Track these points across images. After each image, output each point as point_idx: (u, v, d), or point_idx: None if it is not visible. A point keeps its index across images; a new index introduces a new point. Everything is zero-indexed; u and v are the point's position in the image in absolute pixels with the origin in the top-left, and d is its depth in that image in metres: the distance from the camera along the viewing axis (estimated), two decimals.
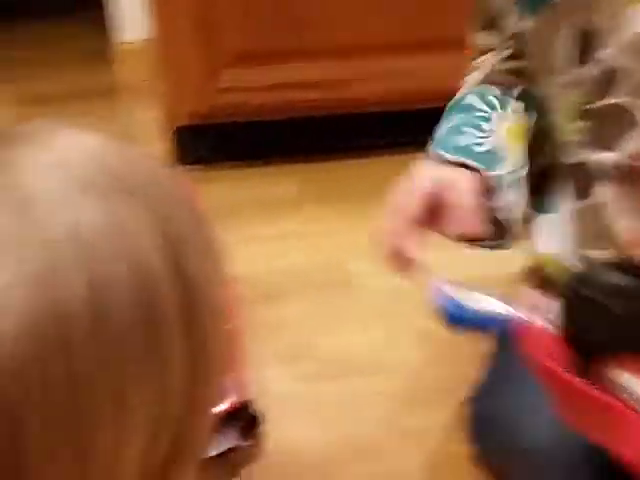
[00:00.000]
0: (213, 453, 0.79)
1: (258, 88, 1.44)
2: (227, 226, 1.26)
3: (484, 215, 0.70)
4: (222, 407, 0.78)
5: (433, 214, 0.69)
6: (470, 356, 0.93)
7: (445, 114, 0.79)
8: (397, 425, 0.86)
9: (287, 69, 1.45)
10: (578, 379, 0.58)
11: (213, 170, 1.51)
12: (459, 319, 0.65)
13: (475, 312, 0.65)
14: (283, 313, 1.06)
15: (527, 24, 0.74)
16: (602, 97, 0.71)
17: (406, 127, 1.51)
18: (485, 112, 0.77)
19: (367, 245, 1.20)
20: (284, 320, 1.04)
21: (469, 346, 0.96)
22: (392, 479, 0.80)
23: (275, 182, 1.47)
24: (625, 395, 0.58)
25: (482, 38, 0.82)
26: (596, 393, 0.58)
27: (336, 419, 0.87)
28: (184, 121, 1.46)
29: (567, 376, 0.58)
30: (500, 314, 0.64)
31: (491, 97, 0.78)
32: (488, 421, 0.76)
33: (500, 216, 0.73)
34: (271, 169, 1.50)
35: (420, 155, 0.74)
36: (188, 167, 1.48)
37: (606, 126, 0.71)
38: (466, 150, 0.73)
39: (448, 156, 0.72)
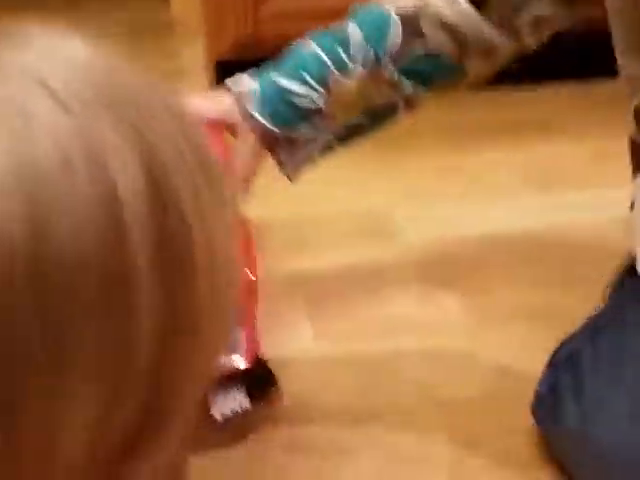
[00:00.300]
0: (218, 417, 0.71)
1: (303, 17, 1.33)
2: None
3: None
4: (228, 366, 0.70)
5: None
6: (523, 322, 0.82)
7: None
8: (431, 393, 0.76)
9: None
10: None
11: None
12: None
13: None
14: (314, 265, 0.96)
15: None
16: None
17: None
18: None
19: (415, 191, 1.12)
20: (314, 272, 0.95)
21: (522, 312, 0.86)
22: (421, 450, 0.71)
23: None
24: None
25: None
26: None
27: (362, 383, 0.78)
28: (226, 54, 1.37)
29: None
30: None
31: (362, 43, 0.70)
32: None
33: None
34: None
35: None
36: None
37: None
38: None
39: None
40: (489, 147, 1.22)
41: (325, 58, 0.71)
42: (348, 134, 0.75)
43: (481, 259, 0.97)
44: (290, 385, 0.77)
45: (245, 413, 0.72)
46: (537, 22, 0.69)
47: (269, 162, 0.75)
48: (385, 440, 0.72)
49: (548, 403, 0.67)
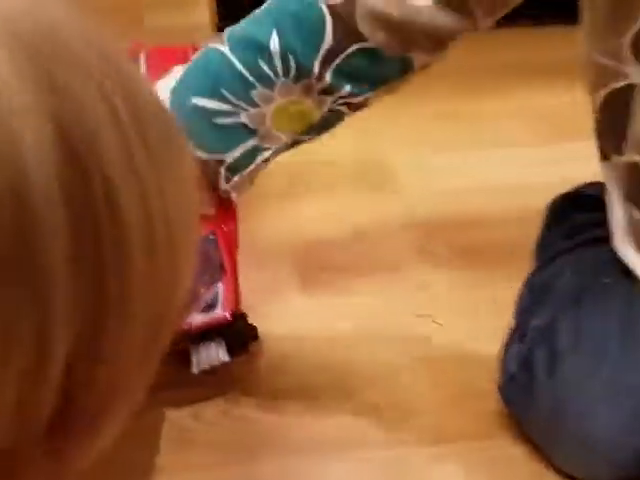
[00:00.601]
0: (195, 370, 0.69)
1: None
2: None
3: None
4: (207, 320, 0.68)
5: None
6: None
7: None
8: (411, 351, 0.74)
9: None
10: None
11: None
12: None
13: None
14: (303, 211, 0.93)
15: None
16: None
17: None
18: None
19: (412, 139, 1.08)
20: (302, 220, 0.91)
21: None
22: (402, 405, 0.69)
23: None
24: None
25: None
26: None
27: (344, 337, 0.76)
28: None
29: None
30: None
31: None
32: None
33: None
34: None
35: None
36: None
37: None
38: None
39: None
40: (494, 93, 1.18)
41: (246, 74, 0.62)
42: (291, 145, 0.68)
43: (478, 210, 0.94)
44: (273, 339, 0.75)
45: (224, 366, 0.70)
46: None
47: None
48: (363, 396, 0.70)
49: (519, 382, 0.65)
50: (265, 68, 0.61)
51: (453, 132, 1.09)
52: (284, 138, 0.65)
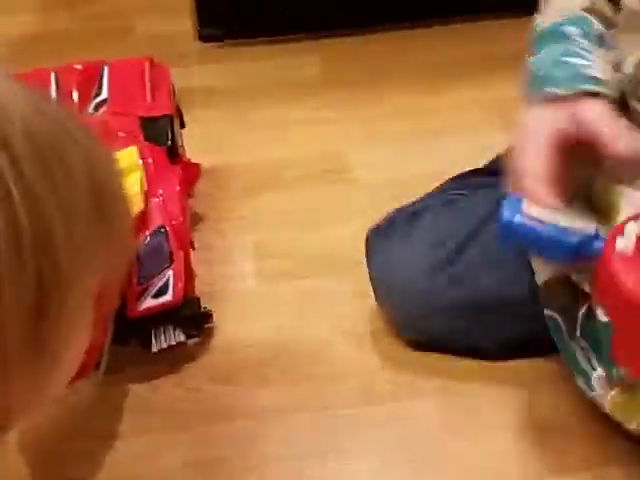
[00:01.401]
0: (154, 349, 0.79)
1: None
2: (230, 109, 1.24)
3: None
4: (159, 306, 0.77)
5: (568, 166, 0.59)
6: None
7: (536, 44, 0.67)
8: (352, 331, 0.83)
9: None
10: None
11: (233, 46, 1.45)
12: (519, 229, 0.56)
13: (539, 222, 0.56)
14: (263, 206, 1.02)
15: None
16: None
17: None
18: (586, 48, 0.64)
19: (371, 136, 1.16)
20: (262, 214, 1.01)
21: None
22: (340, 382, 0.78)
23: (296, 60, 1.41)
24: None
25: None
26: None
27: (292, 321, 0.85)
28: None
29: None
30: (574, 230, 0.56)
31: (594, 34, 0.65)
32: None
33: None
34: (293, 45, 1.43)
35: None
36: (208, 44, 1.44)
37: None
38: (578, 77, 0.62)
39: (561, 91, 0.61)
40: (459, 85, 1.25)
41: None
42: None
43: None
44: (227, 320, 0.85)
45: (180, 345, 0.79)
46: None
47: None
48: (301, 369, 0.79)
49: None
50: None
51: (417, 124, 1.17)
52: None
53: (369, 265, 0.82)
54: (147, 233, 0.78)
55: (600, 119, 0.59)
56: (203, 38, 1.46)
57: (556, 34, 0.66)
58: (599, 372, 0.63)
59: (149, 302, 0.76)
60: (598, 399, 0.65)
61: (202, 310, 0.81)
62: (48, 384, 0.42)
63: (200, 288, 0.88)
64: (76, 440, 0.73)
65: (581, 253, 0.56)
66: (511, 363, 0.77)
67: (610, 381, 0.63)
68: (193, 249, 0.85)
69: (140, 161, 0.81)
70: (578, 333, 0.65)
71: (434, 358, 0.79)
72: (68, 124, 0.41)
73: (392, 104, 1.21)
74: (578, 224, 0.57)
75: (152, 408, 0.76)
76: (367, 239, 0.83)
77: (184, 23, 1.48)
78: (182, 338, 0.79)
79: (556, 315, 0.68)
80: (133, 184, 0.77)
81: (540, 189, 0.58)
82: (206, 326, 0.82)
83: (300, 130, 1.18)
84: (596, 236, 0.56)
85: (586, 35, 0.65)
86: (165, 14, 1.56)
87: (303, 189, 1.06)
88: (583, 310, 0.64)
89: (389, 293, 0.80)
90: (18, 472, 0.68)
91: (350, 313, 0.84)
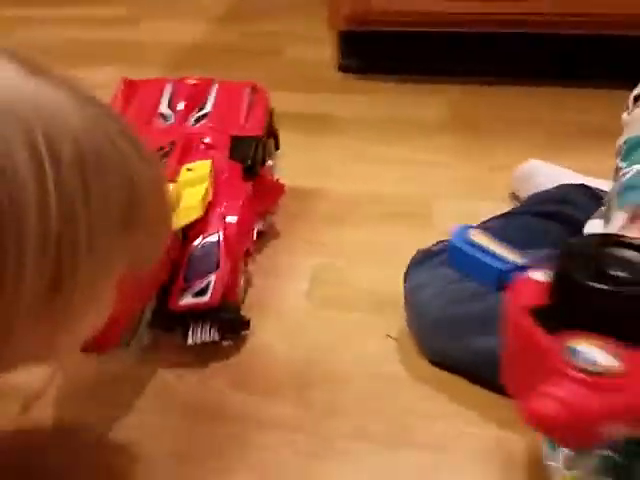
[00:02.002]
0: (189, 342, 0.86)
1: None
2: (348, 138, 1.31)
3: None
4: (192, 302, 0.84)
5: None
6: None
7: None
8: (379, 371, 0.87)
9: None
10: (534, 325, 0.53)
11: (369, 79, 1.53)
12: (459, 252, 0.64)
13: (478, 249, 0.64)
14: (340, 235, 1.08)
15: None
16: None
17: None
18: None
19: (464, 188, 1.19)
20: (337, 242, 1.06)
21: None
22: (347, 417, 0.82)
23: (423, 101, 1.46)
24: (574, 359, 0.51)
25: None
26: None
27: (325, 347, 0.90)
28: (343, 25, 1.48)
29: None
30: (503, 259, 0.63)
31: None
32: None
33: None
34: (422, 87, 1.48)
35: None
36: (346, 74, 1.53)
37: None
38: None
39: None
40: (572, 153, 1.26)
41: None
42: None
43: None
44: (265, 332, 0.91)
45: (213, 344, 0.87)
46: None
47: None
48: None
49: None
50: None
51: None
52: None
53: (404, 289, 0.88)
54: (202, 238, 0.86)
55: None
56: (342, 68, 1.55)
57: None
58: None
59: (189, 299, 0.84)
60: (552, 469, 0.65)
61: (241, 316, 0.88)
62: (57, 342, 0.50)
63: (250, 297, 0.96)
64: (95, 407, 0.81)
65: (504, 279, 0.60)
66: None
67: (574, 462, 0.63)
68: (247, 258, 0.92)
69: (212, 173, 0.89)
70: None
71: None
72: (118, 140, 0.48)
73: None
74: (512, 256, 0.60)
75: (174, 394, 0.84)
76: (407, 267, 0.89)
77: (328, 53, 1.58)
78: (217, 338, 0.86)
79: None
80: (197, 193, 0.85)
81: None
82: (242, 332, 0.89)
83: (401, 168, 1.24)
84: (523, 267, 0.59)
85: None
86: (314, 43, 1.66)
87: (382, 226, 1.11)
88: None
89: (411, 316, 0.86)
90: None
91: (382, 352, 0.88)
